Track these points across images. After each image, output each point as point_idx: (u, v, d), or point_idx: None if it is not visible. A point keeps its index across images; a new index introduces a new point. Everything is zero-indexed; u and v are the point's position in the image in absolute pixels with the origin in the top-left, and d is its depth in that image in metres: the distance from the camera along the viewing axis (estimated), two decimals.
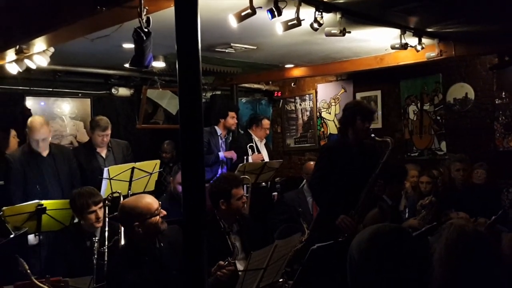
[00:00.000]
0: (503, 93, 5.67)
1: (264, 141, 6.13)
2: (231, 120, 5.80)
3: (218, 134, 5.77)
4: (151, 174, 4.24)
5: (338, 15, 3.46)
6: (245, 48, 4.90)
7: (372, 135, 3.79)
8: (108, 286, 2.78)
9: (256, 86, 7.65)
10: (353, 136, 3.81)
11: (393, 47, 4.27)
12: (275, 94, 8.01)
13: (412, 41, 4.31)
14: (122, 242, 3.36)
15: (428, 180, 4.94)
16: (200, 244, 2.19)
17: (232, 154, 5.64)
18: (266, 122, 6.09)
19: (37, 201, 3.65)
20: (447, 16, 3.97)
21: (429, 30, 4.38)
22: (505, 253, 2.12)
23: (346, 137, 3.86)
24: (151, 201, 2.74)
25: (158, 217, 2.74)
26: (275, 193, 6.05)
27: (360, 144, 3.83)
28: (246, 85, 7.45)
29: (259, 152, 5.91)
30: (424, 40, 4.41)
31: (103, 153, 4.80)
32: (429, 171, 5.14)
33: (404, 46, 4.16)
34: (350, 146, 3.81)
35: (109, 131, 4.76)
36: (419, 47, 4.34)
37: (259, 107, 8.01)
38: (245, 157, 5.66)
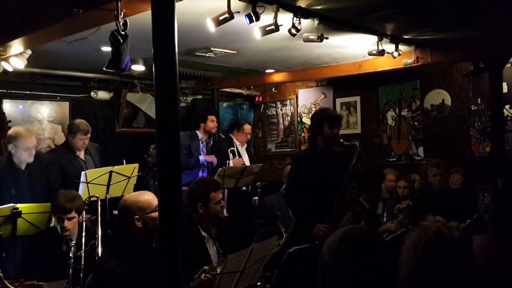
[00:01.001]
0: (479, 100, 5.80)
1: (245, 145, 6.13)
2: (211, 123, 5.81)
3: (199, 138, 5.77)
4: (129, 178, 4.21)
5: (316, 21, 3.51)
6: (225, 52, 4.92)
7: (341, 140, 3.81)
8: (96, 280, 2.76)
9: (237, 90, 7.68)
10: (323, 143, 3.82)
11: (370, 54, 4.34)
12: (256, 99, 8.04)
13: (389, 47, 4.39)
14: (99, 246, 3.33)
15: (405, 185, 5.01)
16: (176, 249, 2.19)
17: (213, 159, 5.65)
18: (247, 127, 6.11)
19: (12, 204, 3.59)
20: (424, 23, 4.05)
21: (405, 37, 4.46)
22: (476, 255, 2.16)
23: (315, 144, 3.87)
24: (152, 198, 2.78)
25: (157, 213, 2.74)
26: (256, 198, 6.07)
27: (330, 150, 3.85)
28: (227, 89, 7.47)
29: (240, 156, 5.92)
30: (401, 47, 4.50)
31: (82, 156, 4.76)
32: (406, 176, 5.22)
33: (381, 53, 4.23)
34: (320, 153, 3.82)
35: (89, 135, 4.72)
36: (396, 54, 4.42)
37: (240, 112, 8.03)
38: (227, 161, 5.66)
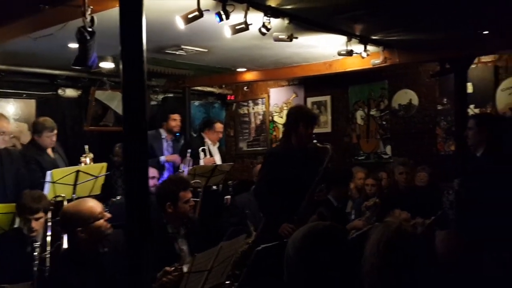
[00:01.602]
0: (445, 100, 5.95)
1: (217, 144, 6.08)
2: (173, 122, 5.77)
3: (163, 137, 5.72)
4: (97, 177, 4.15)
5: (286, 21, 3.54)
6: (196, 50, 4.90)
7: (314, 141, 3.76)
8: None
9: (209, 89, 7.65)
10: (296, 141, 3.77)
11: (339, 54, 4.40)
12: (228, 98, 8.04)
13: (358, 48, 4.46)
14: (65, 247, 3.27)
15: (373, 183, 5.11)
16: (144, 249, 2.18)
17: (175, 158, 5.57)
18: (219, 126, 6.05)
19: None
20: (391, 24, 4.14)
21: (374, 37, 4.54)
22: (439, 250, 2.22)
23: (289, 142, 3.82)
24: (94, 205, 2.68)
25: (102, 220, 2.68)
26: (228, 196, 6.04)
27: (303, 149, 3.80)
28: (199, 88, 7.44)
29: (211, 155, 5.88)
30: (369, 47, 4.58)
31: (51, 154, 4.69)
32: (374, 174, 5.31)
33: (350, 53, 4.30)
34: (293, 151, 3.77)
35: (56, 131, 4.66)
36: (364, 54, 4.50)
37: (212, 110, 8.01)
38: (200, 160, 5.61)
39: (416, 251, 1.63)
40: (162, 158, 5.55)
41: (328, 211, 3.82)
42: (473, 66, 5.37)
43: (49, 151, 4.69)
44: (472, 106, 5.62)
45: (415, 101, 6.21)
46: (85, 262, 2.65)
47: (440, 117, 6.00)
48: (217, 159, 5.89)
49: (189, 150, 5.53)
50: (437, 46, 4.90)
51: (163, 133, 5.75)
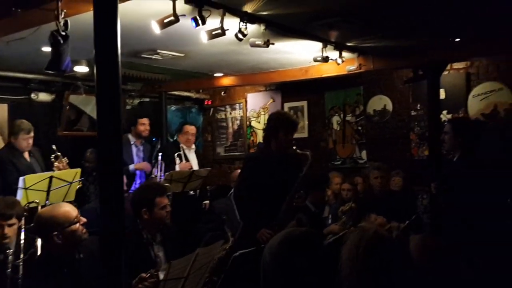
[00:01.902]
0: (418, 105, 6.06)
1: (193, 148, 5.97)
2: (141, 126, 5.65)
3: (131, 142, 5.59)
4: (71, 183, 4.08)
5: (262, 27, 3.56)
6: (173, 55, 4.88)
7: (294, 147, 3.77)
8: None
9: (186, 94, 7.61)
10: (276, 147, 3.78)
11: (315, 60, 4.44)
12: (205, 103, 8.01)
13: (333, 54, 4.52)
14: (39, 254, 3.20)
15: (349, 187, 5.16)
16: (119, 255, 2.14)
17: (144, 166, 5.48)
18: (187, 128, 5.87)
19: None
20: (366, 31, 4.20)
21: (349, 44, 4.61)
22: (413, 254, 2.25)
23: (269, 147, 3.83)
24: (69, 209, 2.65)
25: (77, 225, 2.65)
26: (207, 202, 5.97)
27: (283, 155, 3.80)
28: (176, 92, 7.39)
29: (187, 160, 5.79)
30: (344, 53, 4.64)
31: (27, 157, 4.63)
32: (350, 179, 5.36)
33: (326, 59, 4.35)
34: (272, 157, 3.78)
35: (32, 134, 4.63)
36: (339, 60, 4.56)
37: (189, 115, 7.97)
38: (175, 166, 5.54)
39: (392, 255, 1.66)
40: (132, 167, 5.42)
41: (306, 217, 3.84)
42: (445, 72, 5.48)
43: (26, 154, 4.66)
44: (445, 112, 5.74)
45: (390, 106, 6.31)
46: (60, 268, 2.61)
47: (414, 123, 6.11)
48: (194, 164, 5.80)
49: (160, 154, 5.47)
50: (410, 53, 4.99)
51: (132, 138, 5.62)
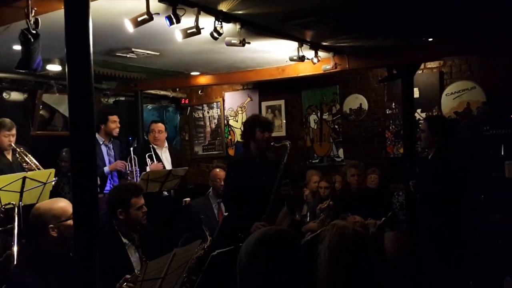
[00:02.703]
0: (393, 104, 6.14)
1: (166, 146, 5.69)
2: (113, 124, 5.35)
3: (100, 142, 5.33)
4: (45, 184, 3.99)
5: (238, 26, 3.55)
6: (148, 53, 4.82)
7: (272, 143, 3.99)
8: None
9: (162, 92, 7.54)
10: (255, 148, 3.99)
11: (291, 59, 4.46)
12: (182, 101, 7.95)
13: (309, 54, 4.54)
14: (15, 256, 3.14)
15: (327, 185, 5.20)
16: (90, 257, 2.12)
17: (119, 165, 5.25)
18: (153, 125, 5.63)
19: None
20: (340, 31, 4.24)
21: (324, 44, 4.64)
22: (388, 251, 2.28)
23: (249, 149, 4.04)
24: (67, 205, 2.66)
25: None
26: (188, 199, 5.89)
27: (263, 154, 4.02)
28: (152, 91, 7.32)
29: (159, 160, 5.52)
30: (320, 53, 4.67)
31: (9, 156, 4.52)
32: (327, 177, 5.41)
33: (302, 58, 4.37)
34: (253, 158, 4.00)
35: (14, 131, 4.52)
36: (315, 60, 4.59)
37: (166, 114, 7.89)
38: (146, 167, 5.39)
39: (369, 252, 1.68)
40: (106, 169, 5.23)
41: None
42: (419, 72, 5.56)
43: (8, 153, 4.55)
44: (419, 110, 5.84)
45: (365, 105, 6.38)
46: (49, 263, 2.57)
47: (389, 121, 6.19)
48: (167, 164, 5.55)
49: (131, 148, 5.37)
50: (385, 53, 5.06)
51: (100, 138, 5.33)
